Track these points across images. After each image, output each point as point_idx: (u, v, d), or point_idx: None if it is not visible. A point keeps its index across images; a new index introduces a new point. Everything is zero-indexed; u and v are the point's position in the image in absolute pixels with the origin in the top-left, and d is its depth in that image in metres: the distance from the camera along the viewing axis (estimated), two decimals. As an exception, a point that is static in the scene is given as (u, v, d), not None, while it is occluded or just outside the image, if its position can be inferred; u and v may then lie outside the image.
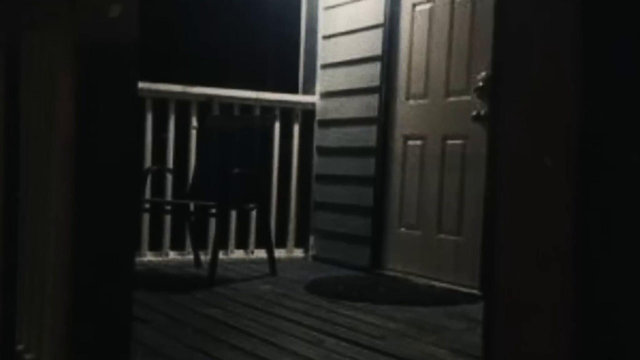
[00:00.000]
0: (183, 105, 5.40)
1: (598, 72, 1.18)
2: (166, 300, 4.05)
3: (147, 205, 5.16)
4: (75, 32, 1.96)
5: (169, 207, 5.38)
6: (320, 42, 5.78)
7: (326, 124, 5.71)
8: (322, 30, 5.77)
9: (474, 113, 4.45)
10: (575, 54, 1.17)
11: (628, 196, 1.22)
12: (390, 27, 5.17)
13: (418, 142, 4.98)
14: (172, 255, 5.38)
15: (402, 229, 5.06)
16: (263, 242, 5.15)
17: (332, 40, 5.67)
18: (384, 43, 5.18)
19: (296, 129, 5.75)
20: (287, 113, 5.73)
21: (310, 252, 5.75)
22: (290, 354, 3.03)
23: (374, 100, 5.25)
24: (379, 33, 5.21)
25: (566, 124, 1.19)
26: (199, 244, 5.21)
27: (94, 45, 1.92)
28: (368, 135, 5.28)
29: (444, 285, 4.61)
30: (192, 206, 5.20)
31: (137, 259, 5.02)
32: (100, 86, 1.94)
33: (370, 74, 5.28)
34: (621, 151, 1.21)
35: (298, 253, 5.78)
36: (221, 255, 5.01)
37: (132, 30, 1.94)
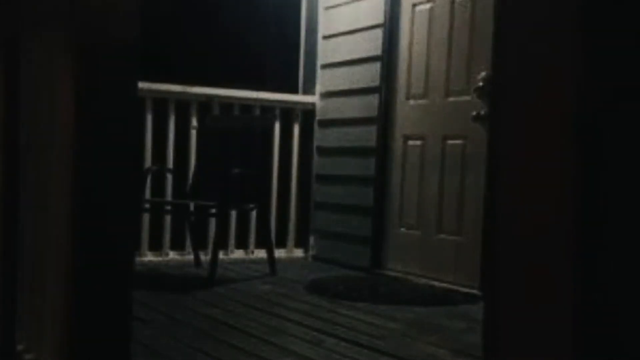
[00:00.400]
0: (183, 105, 5.41)
1: (598, 73, 1.18)
2: (166, 300, 4.05)
3: (147, 205, 5.16)
4: (75, 32, 1.96)
5: (169, 207, 5.38)
6: (320, 42, 5.78)
7: (326, 124, 5.71)
8: (322, 30, 5.77)
9: (474, 113, 4.45)
10: (575, 55, 1.17)
11: (628, 197, 1.23)
12: (390, 27, 5.17)
13: (418, 142, 4.98)
14: (172, 255, 5.38)
15: (402, 229, 5.06)
16: (263, 242, 5.15)
17: (332, 40, 5.67)
18: (384, 43, 5.18)
19: (296, 129, 5.75)
20: (287, 113, 5.73)
21: (310, 252, 5.75)
22: (290, 354, 3.04)
23: (374, 100, 5.25)
24: (379, 33, 5.22)
25: (566, 125, 1.19)
26: (199, 244, 5.21)
27: (94, 45, 1.92)
28: (368, 135, 5.28)
29: (444, 285, 4.61)
30: (192, 206, 5.20)
31: (137, 259, 5.02)
32: (100, 86, 1.94)
33: (370, 74, 5.28)
34: (622, 152, 1.21)
35: (298, 253, 5.78)
36: (221, 255, 5.01)
37: (133, 30, 1.94)
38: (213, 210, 5.00)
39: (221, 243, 5.05)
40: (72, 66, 1.96)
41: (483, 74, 4.40)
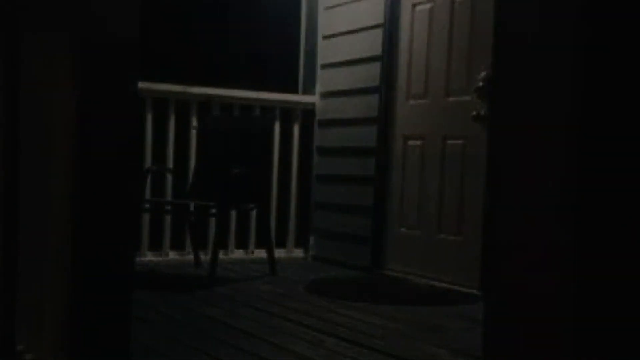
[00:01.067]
0: (183, 105, 5.40)
1: (598, 72, 1.18)
2: (166, 300, 4.05)
3: (147, 205, 5.16)
4: (75, 33, 1.96)
5: (169, 207, 5.38)
6: (320, 42, 5.78)
7: (326, 124, 5.71)
8: (322, 30, 5.77)
9: (474, 113, 4.45)
10: (574, 54, 1.17)
11: (626, 196, 1.23)
12: (390, 27, 5.17)
13: (418, 142, 4.98)
14: (172, 255, 5.38)
15: (402, 229, 5.06)
16: (263, 242, 5.15)
17: (332, 40, 5.67)
18: (384, 43, 5.18)
19: (296, 129, 5.75)
20: (287, 113, 5.73)
21: (310, 252, 5.75)
22: (290, 354, 3.04)
23: (374, 100, 5.25)
24: (379, 33, 5.21)
25: (565, 124, 1.19)
26: (199, 244, 5.21)
27: (94, 45, 1.92)
28: (368, 135, 5.28)
29: (444, 285, 4.61)
30: (192, 206, 5.20)
31: (137, 259, 5.02)
32: (100, 86, 1.94)
33: (370, 74, 5.28)
34: (620, 152, 1.21)
35: (298, 253, 5.78)
36: (221, 255, 5.01)
37: (132, 30, 1.94)
38: (213, 210, 5.00)
39: (221, 243, 5.05)
40: (72, 66, 1.96)
41: (483, 74, 4.40)
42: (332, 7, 5.67)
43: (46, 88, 2.19)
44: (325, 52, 5.73)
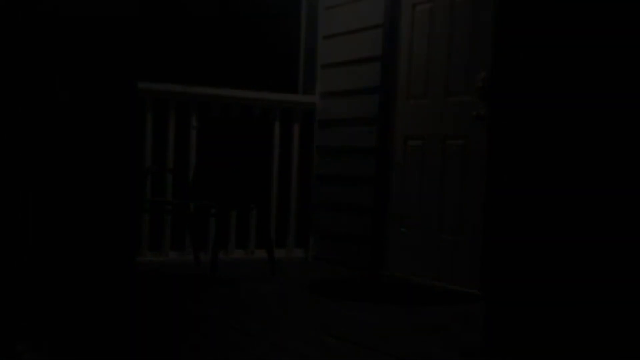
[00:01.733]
0: (183, 105, 5.41)
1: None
2: (166, 300, 4.05)
3: (147, 205, 5.16)
4: (75, 31, 1.96)
5: (169, 207, 5.39)
6: (320, 42, 5.78)
7: (326, 124, 5.71)
8: (322, 30, 5.77)
9: (474, 113, 4.45)
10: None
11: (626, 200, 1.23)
12: (390, 27, 5.17)
13: (418, 142, 4.98)
14: (172, 255, 5.38)
15: (403, 229, 5.06)
16: (263, 242, 5.16)
17: (332, 40, 5.67)
18: (384, 43, 5.18)
19: (296, 129, 5.75)
20: (287, 113, 5.73)
21: (310, 252, 5.75)
22: (291, 354, 3.04)
23: (374, 100, 5.25)
24: (379, 33, 5.22)
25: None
26: (199, 244, 5.21)
27: (94, 43, 1.92)
28: (368, 135, 5.28)
29: (444, 285, 4.61)
30: (192, 206, 5.20)
31: (137, 259, 5.01)
32: (100, 86, 1.95)
33: (370, 74, 5.28)
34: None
35: (298, 253, 5.78)
36: (221, 255, 5.01)
37: (133, 28, 1.94)
38: (213, 210, 5.00)
39: (221, 243, 5.05)
40: (72, 64, 1.96)
41: (483, 74, 4.40)
42: (332, 7, 5.68)
43: (46, 87, 2.20)
44: (325, 52, 5.74)
